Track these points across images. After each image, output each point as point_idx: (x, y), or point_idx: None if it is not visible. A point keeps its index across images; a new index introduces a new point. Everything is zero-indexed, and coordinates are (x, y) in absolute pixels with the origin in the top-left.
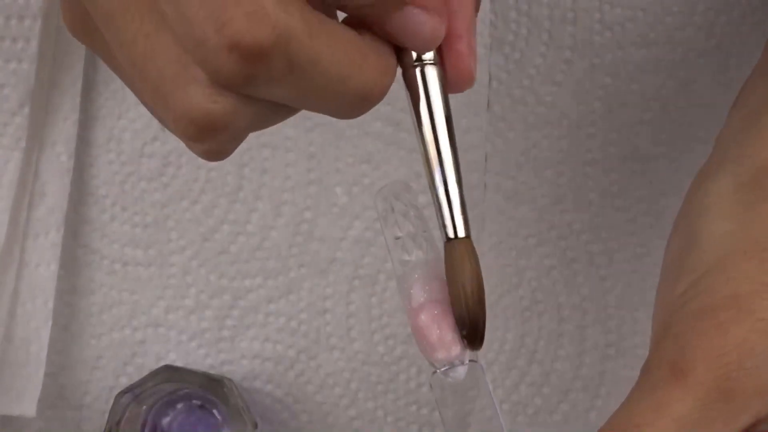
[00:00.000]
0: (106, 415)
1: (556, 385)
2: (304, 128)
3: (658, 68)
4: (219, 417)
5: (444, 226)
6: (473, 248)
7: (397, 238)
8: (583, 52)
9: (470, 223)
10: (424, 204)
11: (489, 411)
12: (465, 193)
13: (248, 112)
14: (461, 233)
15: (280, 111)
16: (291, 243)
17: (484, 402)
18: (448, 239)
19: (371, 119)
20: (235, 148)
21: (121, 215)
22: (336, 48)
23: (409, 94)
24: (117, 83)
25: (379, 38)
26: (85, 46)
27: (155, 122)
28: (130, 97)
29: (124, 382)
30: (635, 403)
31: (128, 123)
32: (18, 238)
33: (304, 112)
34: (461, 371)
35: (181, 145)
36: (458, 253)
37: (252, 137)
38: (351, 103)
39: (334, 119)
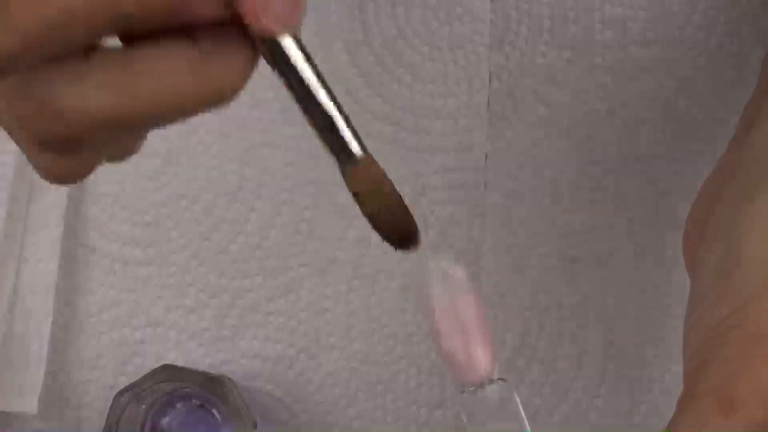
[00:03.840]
0: (106, 414)
1: (557, 385)
2: (305, 128)
3: (658, 68)
4: (218, 416)
5: (336, 153)
6: (373, 163)
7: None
8: (584, 52)
9: (470, 222)
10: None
11: (519, 429)
12: (465, 192)
13: (90, 160)
14: (357, 151)
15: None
16: (291, 243)
17: (514, 420)
18: (345, 161)
19: (371, 119)
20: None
21: (121, 214)
22: (155, 87)
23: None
24: None
25: (221, 31)
26: None
27: None
28: None
29: (124, 381)
30: None
31: None
32: (17, 234)
33: None
34: (490, 390)
35: (181, 144)
36: (367, 174)
37: (252, 137)
38: (197, 111)
39: None
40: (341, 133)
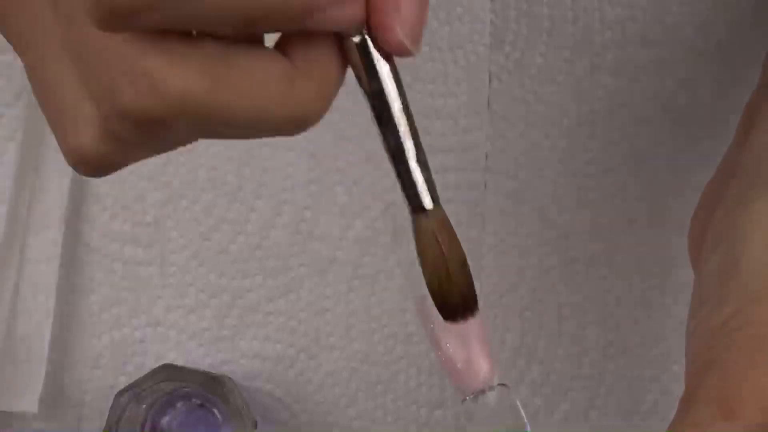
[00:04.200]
0: (106, 414)
1: (556, 385)
2: None
3: (658, 68)
4: (219, 416)
5: (407, 199)
6: (446, 217)
7: (412, 259)
8: (584, 52)
9: (470, 222)
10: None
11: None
12: (465, 192)
13: (142, 152)
14: (428, 205)
15: (180, 143)
16: (291, 242)
17: (516, 425)
18: (415, 212)
19: (372, 119)
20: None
21: (122, 214)
22: (250, 89)
23: (355, 75)
24: None
25: (313, 52)
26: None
27: None
28: None
29: (124, 381)
30: None
31: None
32: (18, 234)
33: None
34: (491, 396)
35: None
36: (431, 227)
37: None
38: (280, 129)
39: (335, 118)
40: (414, 177)
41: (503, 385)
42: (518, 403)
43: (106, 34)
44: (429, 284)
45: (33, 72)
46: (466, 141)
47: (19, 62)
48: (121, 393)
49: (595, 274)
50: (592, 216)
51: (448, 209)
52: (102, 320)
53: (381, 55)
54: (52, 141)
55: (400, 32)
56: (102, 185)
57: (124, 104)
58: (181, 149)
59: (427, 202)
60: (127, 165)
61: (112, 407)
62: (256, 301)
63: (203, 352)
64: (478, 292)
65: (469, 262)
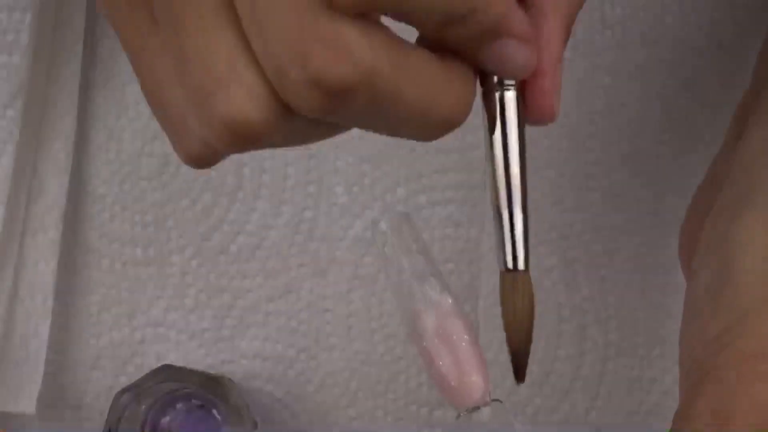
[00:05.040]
0: (106, 415)
1: (556, 385)
2: None
3: (658, 68)
4: (219, 417)
5: (504, 255)
6: (530, 282)
7: (402, 276)
8: (584, 52)
9: (471, 222)
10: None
11: None
12: (465, 193)
13: (292, 128)
14: (521, 266)
15: (328, 131)
16: (291, 243)
17: None
18: (507, 269)
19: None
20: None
21: (121, 214)
22: (421, 79)
23: (486, 115)
24: (116, 82)
25: (461, 61)
26: (111, 21)
27: (154, 122)
28: (130, 96)
29: (124, 381)
30: None
31: (128, 122)
32: (16, 235)
33: None
34: (485, 412)
35: None
36: (515, 286)
37: None
38: (431, 130)
39: None
40: (516, 234)
41: (497, 401)
42: (513, 419)
43: (292, 3)
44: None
45: (179, 37)
46: (466, 141)
47: (16, 62)
48: (120, 393)
49: (595, 274)
50: (592, 216)
51: (448, 209)
52: (101, 321)
53: (516, 112)
54: (50, 142)
55: (556, 102)
56: (102, 185)
57: (319, 69)
58: None
59: (521, 263)
60: (262, 146)
61: (111, 407)
62: (256, 301)
63: (203, 352)
64: (478, 293)
65: (470, 262)
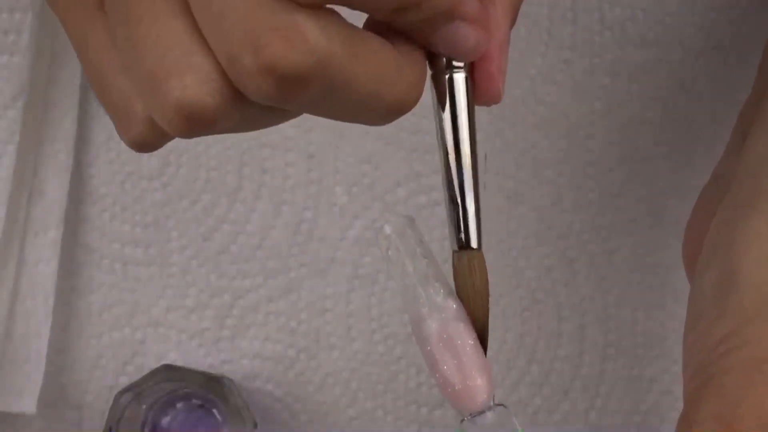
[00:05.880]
0: (106, 415)
1: (556, 385)
2: (304, 128)
3: (658, 68)
4: (219, 416)
5: (457, 234)
6: (484, 260)
7: (407, 280)
8: (583, 52)
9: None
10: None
11: None
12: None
13: (243, 114)
14: (474, 244)
15: (279, 116)
16: (291, 243)
17: None
18: (459, 248)
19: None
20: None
21: (121, 215)
22: (374, 65)
23: (435, 97)
24: None
25: (412, 45)
26: (54, 7)
27: None
28: None
29: (124, 381)
30: None
31: None
32: (17, 235)
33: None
34: (489, 417)
35: (182, 144)
36: (471, 265)
37: (252, 137)
38: (384, 115)
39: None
40: (468, 214)
41: (501, 405)
42: (516, 423)
43: None
44: (480, 318)
45: (128, 26)
46: None
47: (17, 63)
48: (121, 393)
49: (595, 274)
50: (592, 216)
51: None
52: (102, 321)
53: (466, 93)
54: (50, 142)
55: (501, 85)
56: (102, 186)
57: (272, 57)
58: (180, 149)
59: (474, 242)
60: (220, 130)
61: (112, 407)
62: (256, 301)
63: (203, 352)
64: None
65: None
